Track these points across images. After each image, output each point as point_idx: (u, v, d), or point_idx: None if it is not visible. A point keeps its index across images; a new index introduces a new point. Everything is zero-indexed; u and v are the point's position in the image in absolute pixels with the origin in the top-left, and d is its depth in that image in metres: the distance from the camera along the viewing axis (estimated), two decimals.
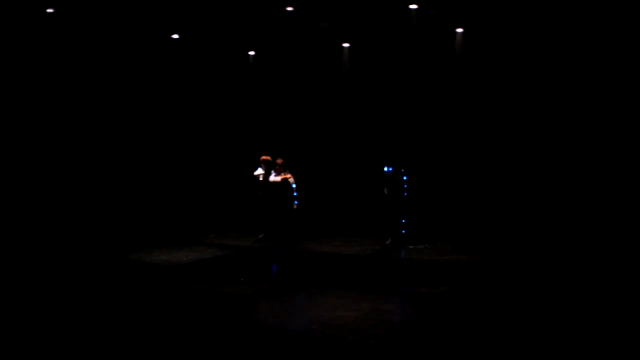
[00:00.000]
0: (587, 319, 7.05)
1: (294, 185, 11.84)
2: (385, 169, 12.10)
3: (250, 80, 15.62)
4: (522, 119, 12.62)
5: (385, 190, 12.13)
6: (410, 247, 11.80)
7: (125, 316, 7.41)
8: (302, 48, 14.82)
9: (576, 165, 11.97)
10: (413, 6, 12.91)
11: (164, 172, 14.91)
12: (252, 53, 15.46)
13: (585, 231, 11.30)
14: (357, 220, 13.71)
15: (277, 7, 13.45)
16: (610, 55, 11.68)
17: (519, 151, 12.61)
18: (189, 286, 8.87)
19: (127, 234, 12.98)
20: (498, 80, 12.93)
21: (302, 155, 14.07)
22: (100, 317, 7.32)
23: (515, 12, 12.45)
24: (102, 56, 13.92)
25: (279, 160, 12.04)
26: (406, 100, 13.85)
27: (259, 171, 12.59)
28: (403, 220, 12.11)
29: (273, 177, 12.09)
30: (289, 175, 11.88)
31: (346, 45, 14.49)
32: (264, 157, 12.53)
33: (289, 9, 13.43)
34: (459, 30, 13.19)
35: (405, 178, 12.02)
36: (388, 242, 12.05)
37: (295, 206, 11.81)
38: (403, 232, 12.11)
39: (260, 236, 12.78)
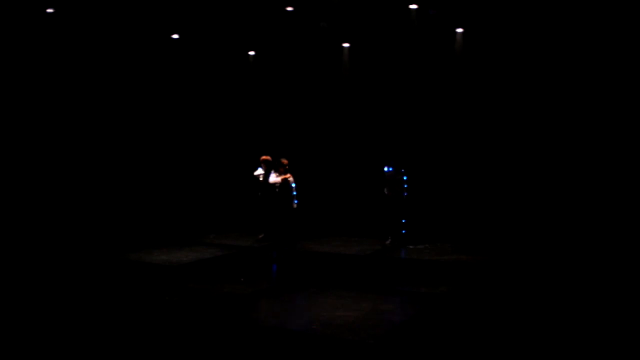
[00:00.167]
0: (587, 319, 7.05)
1: (293, 185, 11.83)
2: (386, 169, 12.10)
3: (250, 80, 15.61)
4: (522, 119, 12.62)
5: (385, 190, 12.13)
6: (410, 247, 11.80)
7: (125, 316, 7.41)
8: (302, 48, 14.82)
9: (576, 165, 11.97)
10: (413, 6, 12.92)
11: (164, 172, 14.90)
12: (252, 53, 15.46)
13: (585, 231, 11.30)
14: (357, 220, 13.71)
15: (277, 7, 13.46)
16: (610, 55, 11.68)
17: (519, 151, 12.61)
18: (189, 286, 8.87)
19: (127, 234, 12.98)
20: (498, 80, 12.93)
21: (302, 155, 14.06)
22: (100, 317, 7.32)
23: (515, 12, 12.45)
24: (102, 56, 13.92)
25: (285, 161, 11.97)
26: (406, 100, 13.85)
27: (259, 171, 12.59)
28: (403, 220, 12.11)
29: (273, 178, 12.08)
30: (288, 175, 11.88)
31: (346, 45, 14.49)
32: (264, 157, 12.52)
33: (289, 9, 13.43)
34: (459, 30, 13.19)
35: (405, 178, 12.02)
36: (388, 242, 12.05)
37: (295, 206, 11.81)
38: (403, 232, 12.11)
39: (260, 236, 12.78)
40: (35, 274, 9.63)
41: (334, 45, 14.55)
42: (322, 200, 14.18)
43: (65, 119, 13.45)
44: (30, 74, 12.94)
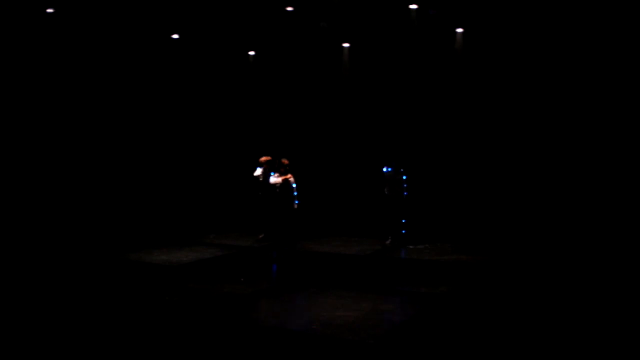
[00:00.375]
0: (587, 318, 7.05)
1: (294, 185, 11.83)
2: (385, 169, 12.10)
3: (250, 80, 15.61)
4: (522, 119, 12.62)
5: (385, 190, 12.13)
6: (410, 247, 11.80)
7: (125, 316, 7.41)
8: (302, 48, 14.82)
9: (576, 165, 11.97)
10: (413, 6, 12.91)
11: (164, 172, 14.90)
12: (252, 53, 15.46)
13: (585, 231, 11.30)
14: (357, 220, 13.71)
15: (277, 7, 13.45)
16: (610, 55, 11.68)
17: (519, 151, 12.61)
18: (189, 286, 8.86)
19: (127, 234, 12.98)
20: (498, 80, 12.93)
21: (302, 156, 14.06)
22: (100, 317, 7.32)
23: (515, 12, 12.45)
24: (102, 56, 13.91)
25: (285, 161, 11.96)
26: (406, 100, 13.85)
27: (259, 171, 12.58)
28: (403, 220, 12.11)
29: (274, 179, 12.07)
30: (289, 176, 11.87)
31: (346, 45, 14.49)
32: (264, 158, 12.52)
33: (289, 9, 13.43)
34: (459, 30, 13.19)
35: (404, 178, 12.02)
36: (388, 242, 12.05)
37: (295, 206, 11.81)
38: (403, 232, 12.11)
39: (260, 236, 12.78)
40: (36, 274, 9.63)
41: (334, 45, 14.55)
42: (322, 200, 14.18)
43: (65, 119, 13.45)
44: (30, 74, 12.93)
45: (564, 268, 9.67)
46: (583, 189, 11.85)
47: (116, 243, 12.28)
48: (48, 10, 12.68)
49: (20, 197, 12.54)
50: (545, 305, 7.61)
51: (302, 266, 10.49)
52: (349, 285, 8.93)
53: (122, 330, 6.87)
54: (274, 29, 14.38)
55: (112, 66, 14.11)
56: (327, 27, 14.18)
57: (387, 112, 14.10)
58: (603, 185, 11.63)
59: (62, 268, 10.07)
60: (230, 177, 15.17)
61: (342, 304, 7.78)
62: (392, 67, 13.97)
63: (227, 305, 7.89)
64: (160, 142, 14.99)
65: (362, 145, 14.27)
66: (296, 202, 11.84)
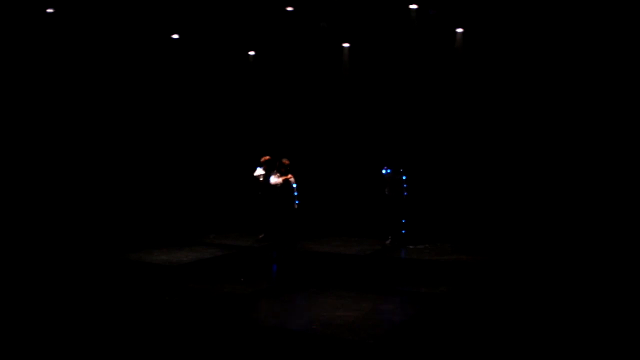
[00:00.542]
0: (587, 318, 7.05)
1: (294, 185, 11.83)
2: (384, 171, 12.10)
3: (250, 80, 15.61)
4: (522, 119, 12.62)
5: (386, 190, 12.12)
6: (410, 247, 11.80)
7: (125, 316, 7.41)
8: (302, 48, 14.82)
9: (576, 165, 11.96)
10: (413, 6, 12.91)
11: (164, 172, 14.90)
12: (252, 53, 15.46)
13: (585, 231, 11.30)
14: (357, 220, 13.71)
15: (277, 7, 13.45)
16: (610, 55, 11.68)
17: (519, 151, 12.61)
18: (189, 286, 8.87)
19: (127, 234, 12.98)
20: (498, 80, 12.92)
21: (302, 156, 14.06)
22: (100, 317, 7.32)
23: (516, 12, 12.44)
24: (102, 56, 13.91)
25: (286, 161, 11.93)
26: (406, 100, 13.84)
27: (259, 171, 12.57)
28: (403, 220, 12.11)
29: (274, 179, 12.05)
30: (289, 176, 11.87)
31: (346, 45, 14.48)
32: (264, 158, 12.52)
33: (289, 9, 13.43)
34: (459, 30, 13.19)
35: (404, 178, 12.02)
36: (388, 242, 12.05)
37: (295, 206, 11.80)
38: (403, 232, 12.11)
39: (260, 236, 12.78)
40: (36, 274, 9.63)
41: (334, 45, 14.55)
42: (322, 200, 14.18)
43: (65, 119, 13.45)
44: (31, 74, 12.93)
45: (564, 268, 9.67)
46: (583, 189, 11.85)
47: (116, 243, 12.28)
48: (48, 10, 12.68)
49: (20, 197, 12.53)
50: (545, 305, 7.61)
51: (302, 266, 10.49)
52: (349, 285, 8.93)
53: (122, 330, 6.87)
54: (274, 29, 14.38)
55: (112, 66, 14.11)
56: (327, 27, 14.17)
57: (387, 112, 14.10)
58: (603, 185, 11.63)
59: (62, 268, 10.07)
60: (230, 177, 15.17)
61: (342, 304, 7.78)
62: (392, 67, 13.97)
63: (227, 305, 7.89)
64: (160, 142, 14.99)
65: (362, 145, 14.27)
66: (296, 202, 11.83)
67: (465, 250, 11.24)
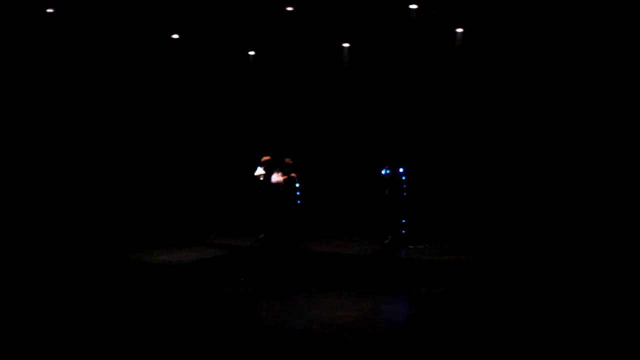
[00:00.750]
0: (587, 318, 7.05)
1: (297, 185, 11.85)
2: (383, 171, 12.10)
3: (250, 80, 15.61)
4: (522, 119, 12.61)
5: (386, 191, 12.12)
6: (410, 247, 11.80)
7: (125, 316, 7.41)
8: (302, 48, 14.82)
9: (576, 165, 11.96)
10: (413, 6, 12.91)
11: (164, 172, 14.90)
12: (252, 53, 15.46)
13: (585, 231, 11.30)
14: (357, 220, 13.71)
15: (277, 7, 13.45)
16: (610, 55, 11.68)
17: (519, 151, 12.61)
18: (189, 286, 8.87)
19: (127, 234, 12.98)
20: (498, 80, 12.92)
21: (302, 156, 14.05)
22: (100, 317, 7.32)
23: (516, 12, 12.44)
24: (102, 56, 13.91)
25: (289, 160, 11.95)
26: (406, 100, 13.84)
27: (260, 171, 12.57)
28: (403, 221, 12.11)
29: (276, 178, 12.06)
30: (292, 174, 11.91)
31: (346, 45, 14.49)
32: (265, 158, 12.52)
33: (289, 9, 13.43)
34: (459, 30, 13.19)
35: (404, 178, 12.02)
36: (387, 241, 12.06)
37: (297, 204, 11.82)
38: (403, 232, 12.12)
39: (260, 236, 12.77)
40: (36, 274, 9.63)
41: (334, 45, 14.55)
42: (323, 200, 14.17)
43: (65, 119, 13.44)
44: (31, 74, 12.93)
45: (564, 268, 9.67)
46: (583, 189, 11.84)
47: (116, 243, 12.28)
48: (48, 10, 12.68)
49: (20, 197, 12.53)
50: (545, 304, 7.61)
51: (302, 266, 10.49)
52: (349, 285, 8.93)
53: (122, 330, 6.87)
54: (274, 29, 14.38)
55: (112, 66, 14.11)
56: (327, 27, 14.17)
57: (386, 113, 14.10)
58: (603, 185, 11.63)
59: (62, 268, 10.07)
60: (230, 177, 15.17)
61: (342, 304, 7.78)
62: (392, 68, 13.96)
63: (227, 305, 7.89)
64: (160, 142, 14.99)
65: (362, 145, 14.27)
66: (298, 202, 11.85)
67: (465, 250, 11.25)
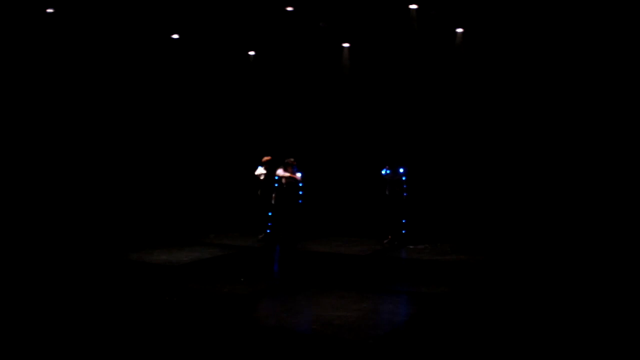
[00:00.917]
0: (587, 318, 7.05)
1: (300, 184, 11.87)
2: (383, 171, 12.10)
3: (250, 80, 15.61)
4: (522, 119, 12.63)
5: (386, 191, 12.12)
6: (410, 247, 11.80)
7: (126, 316, 7.41)
8: (302, 48, 14.82)
9: (576, 165, 11.97)
10: (413, 6, 12.91)
11: (164, 172, 14.90)
12: (252, 53, 15.46)
13: (585, 231, 11.30)
14: (357, 220, 13.71)
15: (277, 7, 13.45)
16: (610, 55, 11.69)
17: (519, 151, 12.62)
18: (189, 286, 8.86)
19: (127, 234, 12.98)
20: (498, 80, 12.93)
21: (302, 156, 14.05)
22: (100, 317, 7.32)
23: (516, 12, 12.45)
24: (102, 56, 13.92)
25: (292, 161, 11.92)
26: (406, 101, 13.85)
27: (260, 170, 12.56)
28: (403, 220, 12.11)
29: (281, 172, 12.01)
30: (297, 176, 11.93)
31: (346, 45, 14.48)
32: (266, 158, 12.51)
33: (289, 9, 13.43)
34: (459, 30, 13.19)
35: (404, 179, 12.01)
36: (386, 241, 12.06)
37: (299, 204, 11.84)
38: (403, 232, 12.12)
39: (260, 236, 12.77)
40: (36, 274, 9.62)
41: (334, 45, 14.55)
42: (323, 200, 14.17)
43: (65, 119, 13.45)
44: (31, 74, 12.94)
45: (563, 267, 9.67)
46: (583, 189, 11.85)
47: (116, 243, 12.28)
48: (48, 10, 12.68)
49: (20, 197, 12.54)
50: (545, 304, 7.62)
51: (303, 266, 10.49)
52: (349, 285, 8.93)
53: (122, 330, 6.87)
54: (274, 29, 14.38)
55: (113, 66, 14.11)
56: (327, 27, 14.17)
57: (386, 113, 14.10)
58: (603, 185, 11.64)
59: (62, 268, 10.07)
60: (230, 176, 15.17)
61: (342, 304, 7.78)
62: (392, 68, 13.97)
63: (227, 305, 7.89)
64: (160, 142, 14.99)
65: (362, 145, 14.27)
66: (300, 201, 11.85)
67: (465, 250, 11.25)
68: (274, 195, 12.17)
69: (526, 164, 12.52)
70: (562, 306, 7.59)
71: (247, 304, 8.03)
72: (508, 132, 12.79)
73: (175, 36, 14.57)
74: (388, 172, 12.03)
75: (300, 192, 11.92)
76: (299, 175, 12.08)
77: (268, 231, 12.58)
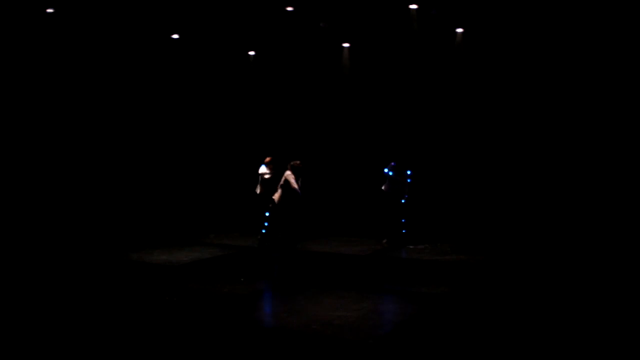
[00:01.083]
0: (587, 318, 7.05)
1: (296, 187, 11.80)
2: (386, 170, 12.06)
3: (250, 80, 15.62)
4: (522, 119, 12.63)
5: (383, 187, 12.07)
6: (410, 247, 11.80)
7: (126, 316, 7.41)
8: (302, 48, 14.82)
9: (576, 165, 11.97)
10: (413, 6, 12.91)
11: (164, 172, 14.90)
12: (252, 53, 15.47)
13: (585, 231, 11.30)
14: (357, 220, 13.71)
15: (277, 7, 13.46)
16: (610, 55, 11.69)
17: (519, 151, 12.62)
18: (189, 286, 8.87)
19: (127, 234, 12.98)
20: (498, 80, 12.93)
21: (302, 155, 14.03)
22: (100, 317, 7.32)
23: (516, 12, 12.45)
24: (102, 56, 13.92)
25: (298, 163, 11.68)
26: (406, 101, 13.85)
27: (263, 169, 12.46)
28: (403, 220, 12.11)
29: (293, 182, 11.80)
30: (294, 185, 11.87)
31: (346, 45, 14.49)
32: (267, 159, 12.40)
33: (289, 9, 13.43)
34: (459, 30, 13.20)
35: (409, 181, 11.98)
36: (385, 241, 12.05)
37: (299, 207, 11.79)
38: (403, 231, 12.11)
39: (259, 236, 12.73)
40: (36, 274, 9.63)
41: (334, 45, 14.55)
42: (322, 200, 14.17)
43: (65, 119, 13.45)
44: (31, 74, 12.94)
45: (563, 267, 9.67)
46: (583, 189, 11.85)
47: (117, 243, 12.28)
48: (48, 10, 12.68)
49: (20, 197, 12.54)
50: (545, 304, 7.62)
51: (302, 266, 10.49)
52: (349, 285, 8.93)
53: (122, 330, 6.88)
54: (274, 29, 14.38)
55: (113, 66, 14.11)
56: (327, 27, 14.17)
57: (387, 113, 14.10)
58: (603, 185, 11.64)
59: (63, 268, 10.08)
60: (230, 176, 15.17)
61: (342, 304, 7.78)
62: (392, 68, 13.97)
63: (227, 305, 7.89)
64: (160, 142, 14.99)
65: (362, 145, 14.27)
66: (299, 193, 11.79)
67: (465, 250, 11.25)
68: (276, 196, 12.09)
69: (526, 163, 12.52)
70: (562, 306, 7.59)
71: (247, 304, 8.03)
72: (508, 132, 12.79)
73: (175, 36, 14.57)
74: (390, 173, 11.97)
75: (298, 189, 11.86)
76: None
77: (263, 231, 12.54)
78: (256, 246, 12.20)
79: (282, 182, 11.05)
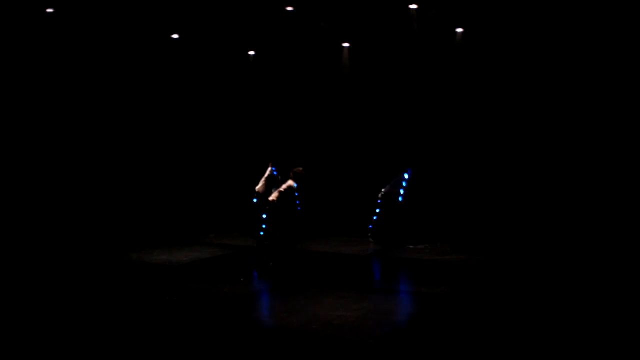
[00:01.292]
0: (587, 318, 7.05)
1: (297, 194, 11.79)
2: (405, 175, 12.13)
3: (250, 80, 15.61)
4: (522, 119, 12.62)
5: (382, 190, 12.12)
6: (410, 247, 11.80)
7: (126, 316, 7.41)
8: (302, 48, 14.82)
9: (576, 165, 11.97)
10: (413, 6, 12.91)
11: (164, 172, 14.90)
12: (252, 53, 15.47)
13: (584, 231, 11.30)
14: (357, 220, 13.70)
15: (277, 7, 13.46)
16: (610, 55, 11.69)
17: (519, 151, 12.62)
18: (189, 286, 8.87)
19: (127, 234, 12.98)
20: (498, 80, 12.93)
21: (302, 156, 14.05)
22: (100, 317, 7.32)
23: (516, 12, 12.45)
24: (102, 56, 13.91)
25: (300, 170, 11.48)
26: (406, 101, 13.85)
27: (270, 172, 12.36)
28: (402, 221, 12.12)
29: (273, 196, 11.69)
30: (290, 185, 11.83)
31: (346, 45, 14.49)
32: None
33: (289, 9, 13.43)
34: (459, 30, 13.20)
35: (404, 184, 12.02)
36: (370, 235, 12.12)
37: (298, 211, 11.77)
38: (403, 231, 12.12)
39: (257, 235, 12.71)
40: (36, 274, 9.63)
41: (334, 45, 14.55)
42: (322, 200, 14.16)
43: (65, 119, 13.45)
44: (31, 74, 12.93)
45: (563, 267, 9.67)
46: (583, 188, 11.85)
47: (117, 243, 12.29)
48: (48, 10, 12.68)
49: (20, 197, 12.54)
50: (545, 304, 7.62)
51: (302, 266, 10.49)
52: (349, 285, 8.93)
53: (122, 330, 6.88)
54: (274, 29, 14.38)
55: (112, 66, 14.11)
56: (327, 27, 14.17)
57: (387, 113, 14.10)
58: (603, 185, 11.64)
59: (63, 268, 10.08)
60: (230, 176, 15.16)
61: (342, 304, 7.78)
62: (392, 68, 13.97)
63: (227, 305, 7.89)
64: (160, 142, 14.99)
65: (362, 145, 14.27)
66: (299, 208, 11.78)
67: (465, 250, 11.25)
68: (273, 197, 12.03)
69: (526, 163, 12.51)
70: (562, 306, 7.59)
71: (247, 304, 8.03)
72: (508, 132, 12.78)
73: (175, 36, 14.57)
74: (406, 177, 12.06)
75: (297, 202, 11.83)
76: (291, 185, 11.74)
77: (261, 233, 12.51)
78: (255, 246, 12.19)
79: (282, 189, 10.82)
